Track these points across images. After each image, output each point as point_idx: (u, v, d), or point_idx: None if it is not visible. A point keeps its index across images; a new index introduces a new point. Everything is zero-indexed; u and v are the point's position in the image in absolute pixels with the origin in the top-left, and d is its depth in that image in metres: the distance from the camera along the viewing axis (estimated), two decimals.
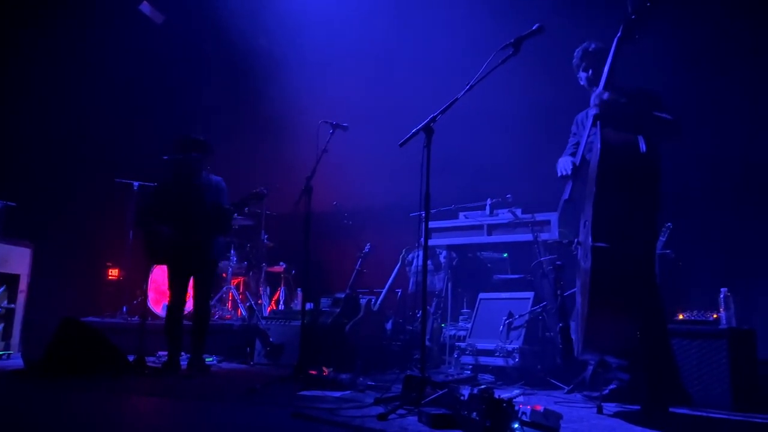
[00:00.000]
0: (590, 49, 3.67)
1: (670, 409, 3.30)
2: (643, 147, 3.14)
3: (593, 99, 3.45)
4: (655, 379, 3.25)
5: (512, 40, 3.37)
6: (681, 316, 4.10)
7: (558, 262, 4.30)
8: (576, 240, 3.52)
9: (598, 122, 3.33)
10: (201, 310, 4.87)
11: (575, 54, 3.76)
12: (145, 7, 7.81)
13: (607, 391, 3.62)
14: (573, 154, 3.82)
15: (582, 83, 3.75)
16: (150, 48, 7.79)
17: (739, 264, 5.22)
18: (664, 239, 4.79)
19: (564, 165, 3.69)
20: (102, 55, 7.32)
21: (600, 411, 3.28)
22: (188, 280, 4.90)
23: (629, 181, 3.14)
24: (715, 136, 5.48)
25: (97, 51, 7.28)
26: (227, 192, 5.00)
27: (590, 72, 3.66)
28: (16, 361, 5.05)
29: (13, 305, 5.50)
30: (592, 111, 3.43)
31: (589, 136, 3.47)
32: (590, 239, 3.05)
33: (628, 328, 3.04)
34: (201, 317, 4.86)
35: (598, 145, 3.16)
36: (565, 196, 3.51)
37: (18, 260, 5.58)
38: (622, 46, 3.42)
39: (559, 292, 4.08)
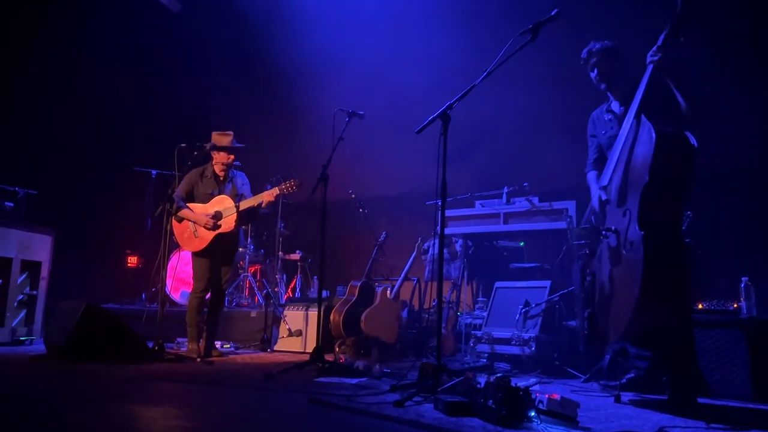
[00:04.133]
0: (594, 49, 3.58)
1: None
2: (694, 141, 3.12)
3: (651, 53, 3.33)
4: (687, 370, 3.22)
5: (530, 26, 3.33)
6: (700, 306, 4.06)
7: (586, 250, 4.27)
8: (605, 228, 3.44)
9: (642, 115, 3.25)
10: (222, 297, 5.07)
11: (581, 54, 3.66)
12: None
13: (625, 380, 3.61)
14: (597, 159, 3.79)
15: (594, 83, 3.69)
16: (167, 37, 7.83)
17: (760, 253, 5.14)
18: (683, 228, 4.73)
19: (593, 199, 3.69)
20: (120, 44, 7.38)
21: (618, 400, 3.27)
22: (219, 269, 4.98)
23: (679, 172, 3.12)
24: (735, 123, 5.37)
25: (115, 40, 7.34)
26: (249, 186, 5.17)
27: (595, 72, 3.59)
28: (39, 347, 5.14)
29: (35, 291, 5.61)
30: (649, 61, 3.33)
31: (626, 129, 3.35)
32: (637, 227, 3.03)
33: (670, 318, 3.04)
34: (221, 304, 5.06)
35: (653, 135, 3.08)
36: (604, 196, 3.46)
37: (39, 247, 5.68)
38: (668, 46, 3.30)
39: (588, 278, 4.06)
